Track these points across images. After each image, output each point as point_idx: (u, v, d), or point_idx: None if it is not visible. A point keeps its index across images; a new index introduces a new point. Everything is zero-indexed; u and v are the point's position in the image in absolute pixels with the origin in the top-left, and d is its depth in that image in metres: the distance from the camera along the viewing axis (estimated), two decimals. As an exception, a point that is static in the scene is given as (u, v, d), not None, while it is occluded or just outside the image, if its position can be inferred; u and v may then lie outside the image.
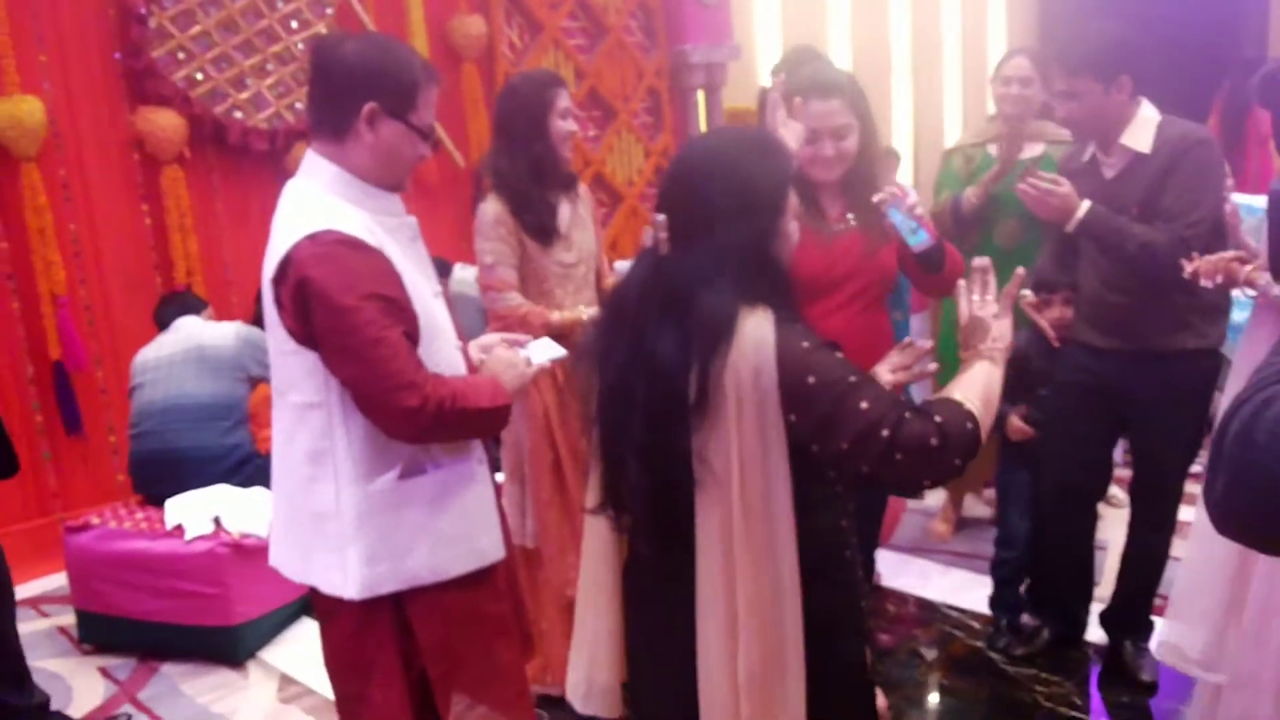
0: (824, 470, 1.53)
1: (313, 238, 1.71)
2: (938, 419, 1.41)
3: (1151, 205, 2.61)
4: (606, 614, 1.68)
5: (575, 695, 1.73)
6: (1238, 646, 2.32)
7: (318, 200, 1.78)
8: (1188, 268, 2.38)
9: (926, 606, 3.49)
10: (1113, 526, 3.30)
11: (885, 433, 1.39)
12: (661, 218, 1.52)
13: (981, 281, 1.66)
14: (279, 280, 1.75)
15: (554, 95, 2.76)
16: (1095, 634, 3.11)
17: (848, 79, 2.47)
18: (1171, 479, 2.88)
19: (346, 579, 1.82)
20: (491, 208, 2.74)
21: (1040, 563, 3.16)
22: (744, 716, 1.47)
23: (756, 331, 1.43)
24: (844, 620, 1.60)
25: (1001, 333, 1.61)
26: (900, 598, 3.54)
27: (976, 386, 1.52)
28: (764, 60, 5.26)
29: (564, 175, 2.89)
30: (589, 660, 1.70)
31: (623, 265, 3.91)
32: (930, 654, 3.22)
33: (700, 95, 5.07)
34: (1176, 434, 2.80)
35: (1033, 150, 3.43)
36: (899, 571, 3.69)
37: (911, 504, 4.10)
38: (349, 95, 1.77)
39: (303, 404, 1.81)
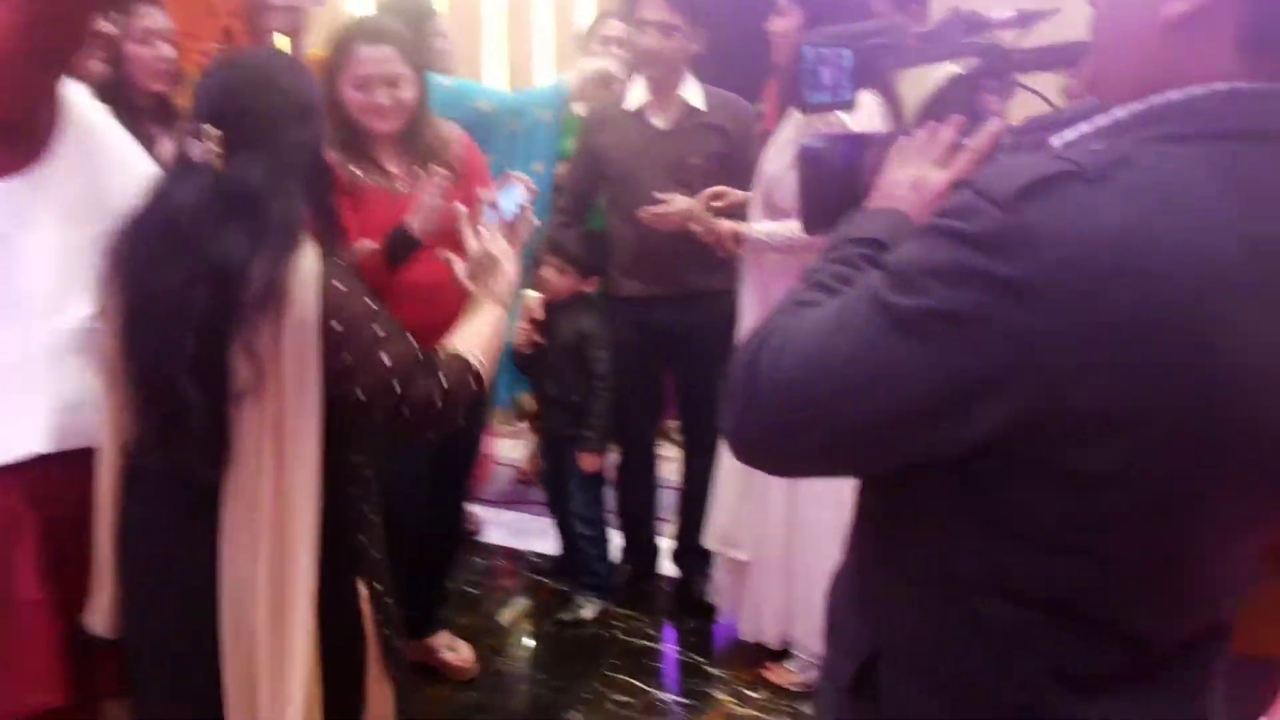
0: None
1: None
2: (444, 383, 1.49)
3: (721, 162, 2.77)
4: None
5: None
6: (750, 529, 2.56)
7: None
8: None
9: (515, 557, 3.53)
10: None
11: (398, 390, 1.45)
12: (211, 129, 1.42)
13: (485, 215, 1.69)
14: None
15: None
16: (669, 568, 3.31)
17: (400, 31, 2.33)
18: (713, 411, 3.08)
19: None
20: None
21: (622, 507, 3.29)
22: (264, 647, 1.43)
23: (301, 264, 1.41)
24: (357, 570, 1.59)
25: (511, 273, 1.66)
26: (489, 550, 3.56)
27: (482, 336, 1.58)
28: (350, 9, 5.02)
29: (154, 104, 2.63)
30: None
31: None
32: (517, 602, 3.27)
33: (281, 40, 4.74)
34: (715, 368, 3.01)
35: None
36: (490, 524, 3.70)
37: (502, 456, 4.13)
38: None
39: None
